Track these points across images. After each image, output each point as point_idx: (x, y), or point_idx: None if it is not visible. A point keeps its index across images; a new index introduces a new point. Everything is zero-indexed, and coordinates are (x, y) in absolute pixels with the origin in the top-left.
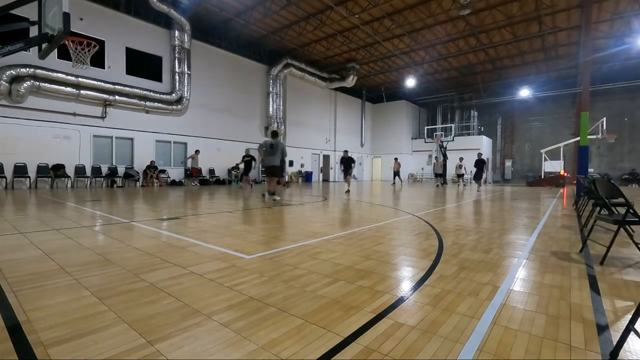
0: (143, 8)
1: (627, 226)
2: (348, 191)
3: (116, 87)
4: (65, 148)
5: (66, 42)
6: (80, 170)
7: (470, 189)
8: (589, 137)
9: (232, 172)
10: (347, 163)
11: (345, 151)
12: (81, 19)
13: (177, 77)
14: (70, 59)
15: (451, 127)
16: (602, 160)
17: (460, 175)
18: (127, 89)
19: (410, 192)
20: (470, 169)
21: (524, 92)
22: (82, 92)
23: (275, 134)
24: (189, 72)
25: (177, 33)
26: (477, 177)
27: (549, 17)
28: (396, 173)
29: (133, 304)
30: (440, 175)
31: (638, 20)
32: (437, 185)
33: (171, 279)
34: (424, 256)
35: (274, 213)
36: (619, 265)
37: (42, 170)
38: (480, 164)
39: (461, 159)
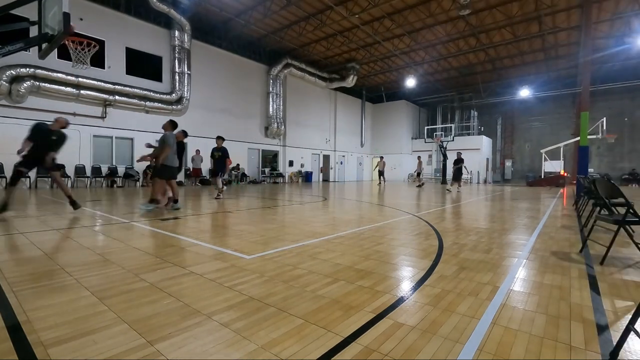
0: (143, 8)
1: (627, 226)
2: (170, 202)
3: (116, 87)
4: (65, 148)
5: (66, 42)
6: (80, 170)
7: (470, 189)
8: (589, 137)
9: (232, 172)
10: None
11: (170, 123)
12: (81, 19)
13: (177, 77)
14: (70, 59)
15: (451, 127)
16: (602, 160)
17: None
18: (127, 89)
19: (410, 192)
20: (469, 168)
21: (524, 92)
22: (82, 92)
23: (175, 125)
24: (189, 72)
25: (177, 33)
26: (455, 177)
27: (549, 17)
28: (381, 172)
29: (133, 304)
30: (418, 175)
31: (638, 20)
32: (413, 181)
33: (171, 279)
34: (424, 256)
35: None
36: (619, 265)
37: (41, 171)
38: (458, 163)
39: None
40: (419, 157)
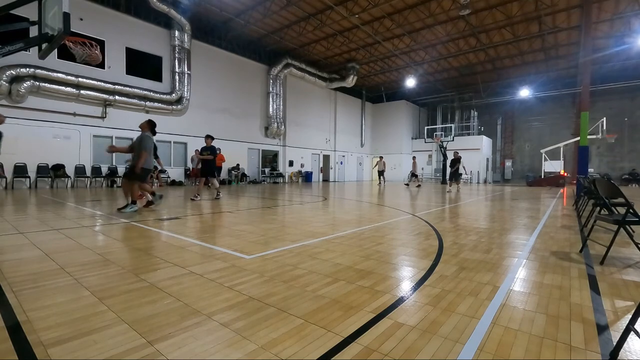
0: (143, 8)
1: (627, 226)
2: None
3: (116, 87)
4: (65, 148)
5: (65, 42)
6: (80, 170)
7: (470, 189)
8: (589, 137)
9: (232, 172)
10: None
11: (149, 124)
12: (81, 19)
13: (177, 77)
14: (70, 59)
15: (451, 127)
16: (602, 160)
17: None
18: (127, 89)
19: (410, 192)
20: (469, 168)
21: (524, 92)
22: (82, 92)
23: (153, 126)
24: (189, 72)
25: (177, 33)
26: (452, 177)
27: (549, 17)
28: (381, 172)
29: (133, 304)
30: (415, 176)
31: (638, 20)
32: (407, 185)
33: (171, 279)
34: (424, 256)
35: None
36: (619, 265)
37: (42, 170)
38: (454, 163)
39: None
40: (413, 158)
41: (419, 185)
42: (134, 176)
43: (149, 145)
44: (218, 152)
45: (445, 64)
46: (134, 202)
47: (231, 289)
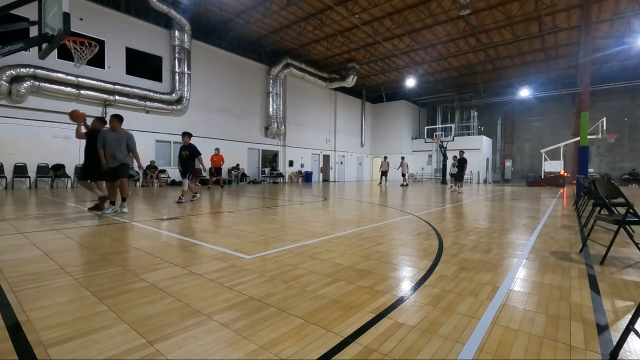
0: (143, 8)
1: (627, 226)
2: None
3: (116, 87)
4: (65, 148)
5: (66, 42)
6: (80, 171)
7: (470, 189)
8: (589, 137)
9: (232, 172)
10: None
11: (119, 120)
12: (81, 19)
13: (177, 77)
14: (70, 59)
15: (451, 127)
16: (602, 160)
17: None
18: (127, 89)
19: (410, 192)
20: (468, 168)
21: (524, 92)
22: (82, 92)
23: (122, 120)
24: (189, 72)
25: (177, 33)
26: (458, 177)
27: (549, 17)
28: (384, 173)
29: (133, 304)
30: (403, 175)
31: (638, 20)
32: (401, 185)
33: (171, 279)
34: (424, 256)
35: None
36: (619, 265)
37: (42, 170)
38: (461, 163)
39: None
40: (402, 158)
41: (402, 185)
42: (115, 175)
43: (135, 144)
44: (217, 152)
45: (445, 64)
46: (124, 199)
47: (231, 289)
